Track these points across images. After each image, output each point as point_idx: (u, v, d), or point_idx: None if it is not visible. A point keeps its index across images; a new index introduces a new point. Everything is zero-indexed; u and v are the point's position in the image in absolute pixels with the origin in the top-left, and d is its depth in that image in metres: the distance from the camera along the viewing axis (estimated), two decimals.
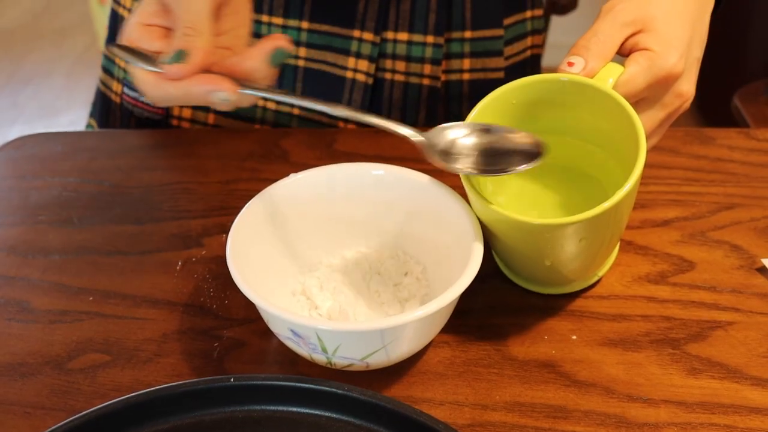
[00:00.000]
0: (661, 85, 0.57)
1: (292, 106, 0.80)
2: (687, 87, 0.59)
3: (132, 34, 0.54)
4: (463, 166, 0.54)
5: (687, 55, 0.58)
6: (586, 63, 0.55)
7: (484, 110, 0.56)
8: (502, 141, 0.54)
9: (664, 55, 0.56)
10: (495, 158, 0.54)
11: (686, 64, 0.58)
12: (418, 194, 0.59)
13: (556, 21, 1.61)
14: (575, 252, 0.55)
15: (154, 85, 0.52)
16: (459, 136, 0.55)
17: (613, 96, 0.54)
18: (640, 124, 0.53)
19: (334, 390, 0.47)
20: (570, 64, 0.55)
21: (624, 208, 0.53)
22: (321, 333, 0.50)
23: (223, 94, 0.52)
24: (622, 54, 0.58)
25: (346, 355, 0.51)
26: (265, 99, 0.53)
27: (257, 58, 0.53)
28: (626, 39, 0.57)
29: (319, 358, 0.52)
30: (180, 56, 0.51)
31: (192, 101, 0.53)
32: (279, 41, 0.53)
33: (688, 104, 0.60)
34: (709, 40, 0.62)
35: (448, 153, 0.54)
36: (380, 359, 0.52)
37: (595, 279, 0.61)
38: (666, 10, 0.58)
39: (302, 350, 0.52)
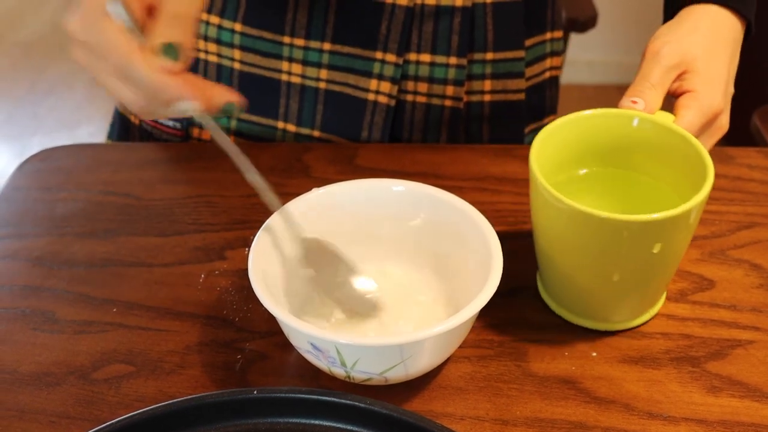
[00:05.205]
0: (710, 123, 0.61)
1: (312, 128, 0.81)
2: (725, 120, 0.63)
3: None
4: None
5: (725, 92, 0.62)
6: (646, 106, 0.59)
7: (550, 135, 0.58)
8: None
9: (709, 95, 0.60)
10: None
11: (725, 99, 0.62)
12: (439, 210, 0.59)
13: (574, 38, 1.62)
14: (646, 263, 0.54)
15: (136, 64, 0.48)
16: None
17: (677, 131, 0.57)
18: (708, 154, 0.55)
19: (356, 404, 0.48)
20: (634, 102, 0.59)
21: (693, 221, 0.54)
22: (340, 347, 0.50)
23: (190, 105, 0.49)
24: (669, 94, 0.62)
25: (365, 370, 0.52)
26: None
27: (225, 96, 0.51)
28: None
29: (338, 371, 0.53)
30: (172, 51, 0.48)
31: (157, 101, 0.50)
32: (233, 97, 0.52)
33: (722, 134, 0.64)
34: None
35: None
36: (399, 374, 0.52)
37: (639, 322, 0.59)
38: (705, 49, 0.62)
39: (321, 364, 0.53)
